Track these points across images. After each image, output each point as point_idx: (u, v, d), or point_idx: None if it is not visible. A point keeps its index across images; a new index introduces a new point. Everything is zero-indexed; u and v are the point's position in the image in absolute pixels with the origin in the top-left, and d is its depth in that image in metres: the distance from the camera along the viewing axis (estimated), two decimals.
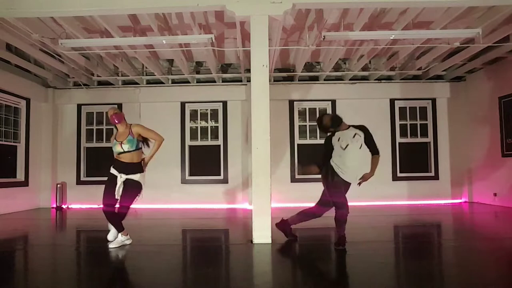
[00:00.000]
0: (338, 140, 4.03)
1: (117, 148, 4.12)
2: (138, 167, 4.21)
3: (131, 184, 4.13)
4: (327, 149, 4.09)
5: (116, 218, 4.16)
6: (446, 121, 8.77)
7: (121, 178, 4.07)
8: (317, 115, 4.35)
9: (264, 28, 4.51)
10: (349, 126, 4.13)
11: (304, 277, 3.17)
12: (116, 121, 4.15)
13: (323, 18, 5.84)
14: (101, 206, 4.15)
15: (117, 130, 4.24)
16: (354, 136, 4.01)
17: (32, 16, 5.12)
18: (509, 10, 5.12)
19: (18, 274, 3.44)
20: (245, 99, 8.54)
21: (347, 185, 4.06)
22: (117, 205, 4.17)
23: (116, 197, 4.08)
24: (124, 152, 4.10)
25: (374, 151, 4.06)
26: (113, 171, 4.15)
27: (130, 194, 4.14)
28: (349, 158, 3.95)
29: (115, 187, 4.06)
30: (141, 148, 4.27)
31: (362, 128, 4.11)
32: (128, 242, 4.27)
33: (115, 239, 4.22)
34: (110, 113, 4.18)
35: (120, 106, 8.77)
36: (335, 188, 3.98)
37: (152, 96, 8.73)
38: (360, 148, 3.99)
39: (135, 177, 4.15)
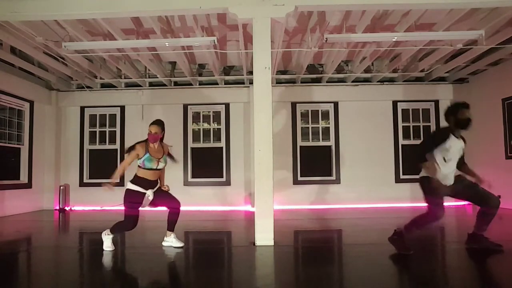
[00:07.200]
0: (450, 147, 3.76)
1: (152, 165, 3.97)
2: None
3: (162, 192, 4.15)
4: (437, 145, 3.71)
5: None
6: None
7: (149, 196, 3.97)
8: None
9: (266, 30, 4.52)
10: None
11: (306, 279, 3.15)
12: (152, 141, 4.04)
13: (326, 20, 5.84)
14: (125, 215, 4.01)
15: (148, 145, 4.05)
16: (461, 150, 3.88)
17: (36, 19, 5.16)
18: None
19: (21, 276, 3.45)
20: (247, 101, 8.54)
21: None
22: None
23: (142, 208, 4.00)
24: (157, 169, 4.04)
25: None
26: (136, 188, 3.96)
27: (169, 196, 4.18)
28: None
29: (140, 203, 3.96)
30: None
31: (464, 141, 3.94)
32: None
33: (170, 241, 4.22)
34: (153, 130, 4.04)
35: (123, 108, 8.83)
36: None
37: (154, 99, 8.76)
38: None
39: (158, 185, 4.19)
